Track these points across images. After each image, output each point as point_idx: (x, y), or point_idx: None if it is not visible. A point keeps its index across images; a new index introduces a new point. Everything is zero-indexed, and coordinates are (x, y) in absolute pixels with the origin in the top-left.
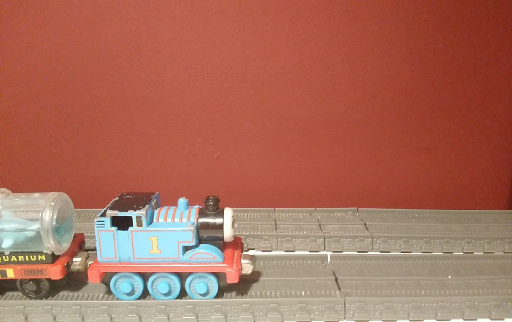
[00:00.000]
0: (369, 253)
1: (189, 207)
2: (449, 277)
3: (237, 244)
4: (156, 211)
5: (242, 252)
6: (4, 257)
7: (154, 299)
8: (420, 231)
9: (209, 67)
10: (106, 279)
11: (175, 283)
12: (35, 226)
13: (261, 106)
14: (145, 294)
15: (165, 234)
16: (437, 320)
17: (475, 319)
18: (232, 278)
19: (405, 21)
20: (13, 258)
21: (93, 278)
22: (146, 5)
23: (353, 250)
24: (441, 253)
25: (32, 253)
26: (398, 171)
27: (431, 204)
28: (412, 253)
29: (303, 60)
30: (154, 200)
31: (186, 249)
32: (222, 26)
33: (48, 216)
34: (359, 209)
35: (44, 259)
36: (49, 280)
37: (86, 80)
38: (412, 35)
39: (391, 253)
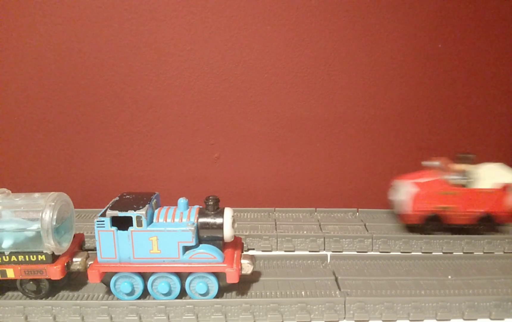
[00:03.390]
0: (369, 253)
1: (189, 207)
2: (449, 277)
3: (237, 244)
4: (156, 211)
5: (242, 252)
6: (4, 257)
7: (154, 299)
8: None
9: (209, 67)
10: (106, 279)
11: (175, 283)
12: (35, 226)
13: (261, 106)
14: (145, 294)
15: (165, 234)
16: (437, 320)
17: (475, 319)
18: (232, 278)
19: (405, 21)
20: (13, 258)
21: (93, 278)
22: (146, 5)
23: (353, 250)
24: (441, 253)
25: (32, 253)
26: (398, 171)
27: None
28: (412, 253)
29: (303, 60)
30: (154, 200)
31: (186, 249)
32: (222, 26)
33: (48, 216)
34: (359, 209)
35: (44, 259)
36: (49, 280)
37: (86, 80)
38: (412, 35)
39: (391, 253)
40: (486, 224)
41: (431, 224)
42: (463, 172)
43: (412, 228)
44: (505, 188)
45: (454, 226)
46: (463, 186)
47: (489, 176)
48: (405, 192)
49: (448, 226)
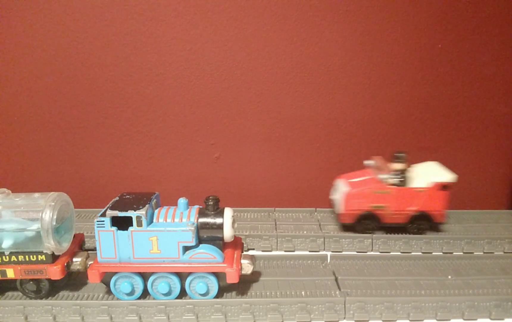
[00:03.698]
0: (369, 253)
1: (189, 207)
2: (449, 277)
3: (237, 244)
4: (156, 211)
5: (242, 252)
6: (4, 257)
7: (154, 299)
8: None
9: (209, 67)
10: (106, 279)
11: (175, 283)
12: (35, 226)
13: (261, 106)
14: (145, 294)
15: (165, 234)
16: (437, 320)
17: (475, 319)
18: (232, 278)
19: (405, 21)
20: (13, 258)
21: (93, 278)
22: (146, 5)
23: (353, 250)
24: (441, 253)
25: (32, 253)
26: None
27: None
28: (412, 253)
29: (303, 60)
30: (154, 200)
31: (186, 249)
32: (222, 26)
33: (48, 216)
34: None
35: (44, 259)
36: (49, 280)
37: (86, 80)
38: (412, 35)
39: (391, 253)
40: (421, 223)
41: (364, 223)
42: (398, 171)
43: (347, 227)
44: (439, 187)
45: (389, 225)
46: (398, 184)
47: (424, 174)
48: (340, 191)
49: (382, 225)
